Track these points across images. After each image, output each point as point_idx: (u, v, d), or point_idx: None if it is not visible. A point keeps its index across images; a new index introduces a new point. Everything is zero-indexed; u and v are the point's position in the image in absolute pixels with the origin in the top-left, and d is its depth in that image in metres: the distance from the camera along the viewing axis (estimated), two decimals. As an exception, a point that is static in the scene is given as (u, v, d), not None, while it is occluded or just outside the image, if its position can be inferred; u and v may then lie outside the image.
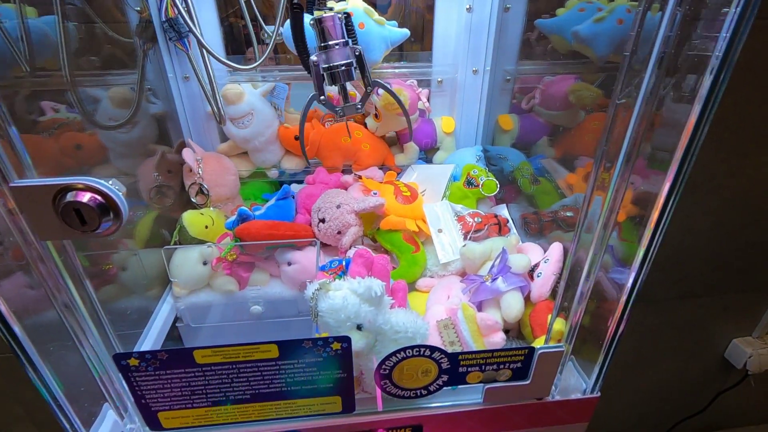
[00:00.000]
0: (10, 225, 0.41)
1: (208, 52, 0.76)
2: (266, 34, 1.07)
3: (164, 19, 0.87)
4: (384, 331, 0.57)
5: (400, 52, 1.13)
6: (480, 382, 0.59)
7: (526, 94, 1.04)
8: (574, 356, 0.65)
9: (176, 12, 0.84)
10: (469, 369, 0.57)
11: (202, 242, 0.86)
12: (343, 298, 0.54)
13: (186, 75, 0.97)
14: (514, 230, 0.90)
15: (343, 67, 0.69)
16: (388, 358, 0.54)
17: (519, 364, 0.58)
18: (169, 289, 0.87)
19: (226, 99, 0.95)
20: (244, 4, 0.94)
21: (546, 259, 0.70)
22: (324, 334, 0.55)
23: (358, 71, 0.74)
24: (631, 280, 0.56)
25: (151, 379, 0.52)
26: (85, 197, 0.38)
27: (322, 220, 0.86)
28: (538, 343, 0.63)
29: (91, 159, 0.82)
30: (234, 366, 0.52)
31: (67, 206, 0.37)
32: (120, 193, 0.41)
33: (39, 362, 0.49)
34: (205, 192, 0.94)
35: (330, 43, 0.67)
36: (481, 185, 0.93)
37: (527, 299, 0.69)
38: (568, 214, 0.86)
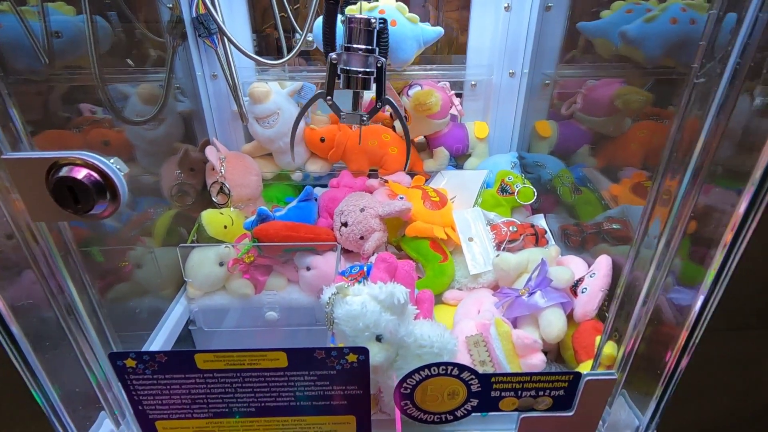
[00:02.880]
0: (6, 213, 0.38)
1: (232, 42, 0.74)
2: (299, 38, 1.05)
3: (194, 16, 0.87)
4: (407, 344, 0.50)
5: (431, 56, 1.09)
6: (515, 409, 0.51)
7: (566, 99, 0.98)
8: (626, 387, 0.57)
9: (206, 8, 0.83)
10: (503, 394, 0.50)
11: (219, 243, 0.83)
12: (362, 304, 0.48)
13: (214, 73, 0.95)
14: (552, 242, 0.83)
15: (360, 74, 0.64)
16: (410, 375, 0.47)
17: (562, 392, 0.50)
18: (183, 290, 0.84)
19: (252, 97, 0.92)
20: (277, 14, 0.93)
21: (592, 273, 0.63)
22: (340, 345, 0.50)
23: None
24: (699, 305, 0.48)
25: (149, 383, 0.47)
26: (81, 174, 0.34)
27: (345, 224, 0.81)
28: (584, 369, 0.55)
29: (118, 156, 0.80)
30: (238, 374, 0.47)
31: (59, 182, 0.33)
32: (120, 174, 0.37)
33: (36, 365, 0.45)
34: (227, 192, 0.91)
35: (354, 46, 0.62)
36: (517, 193, 0.86)
37: (569, 318, 0.62)
38: (615, 226, 0.78)
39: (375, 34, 0.62)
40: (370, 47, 0.62)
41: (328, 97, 0.68)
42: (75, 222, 0.72)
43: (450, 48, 1.11)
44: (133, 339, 0.72)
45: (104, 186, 0.35)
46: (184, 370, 0.46)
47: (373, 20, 0.62)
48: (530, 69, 0.99)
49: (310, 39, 1.00)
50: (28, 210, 0.36)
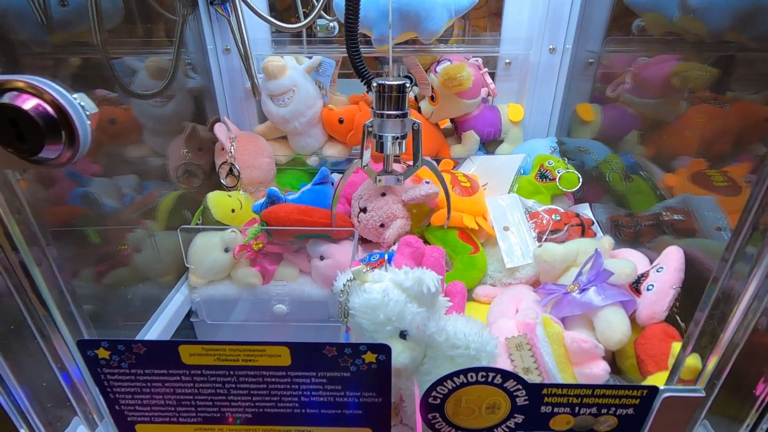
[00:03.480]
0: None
1: (249, 6, 0.67)
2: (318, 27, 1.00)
3: (206, -19, 0.80)
4: (437, 343, 0.41)
5: (461, 31, 1.00)
6: (569, 430, 0.42)
7: (612, 80, 0.87)
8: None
9: (218, -29, 0.76)
10: (556, 409, 0.40)
11: (225, 227, 0.75)
12: (383, 292, 0.39)
13: (227, 46, 0.89)
14: (600, 234, 0.72)
15: (398, 139, 0.63)
16: (440, 382, 0.38)
17: (631, 410, 0.40)
18: (185, 277, 0.76)
19: (266, 72, 0.85)
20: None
21: (659, 268, 0.52)
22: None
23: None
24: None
25: (126, 378, 0.39)
26: (28, 103, 0.26)
27: (363, 210, 0.73)
28: (653, 382, 0.44)
29: (125, 135, 0.75)
30: (231, 372, 0.39)
31: (-2, 111, 0.26)
32: (83, 113, 0.29)
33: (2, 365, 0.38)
34: (236, 173, 0.84)
35: (387, 112, 0.62)
36: (559, 179, 0.76)
37: (632, 320, 0.51)
38: (677, 217, 0.67)
39: (406, 97, 0.62)
40: (403, 111, 0.62)
41: (365, 165, 0.68)
42: (75, 200, 0.67)
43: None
44: (126, 330, 0.65)
45: (58, 124, 0.27)
46: (167, 365, 0.38)
47: (407, 85, 0.61)
48: (573, 45, 0.89)
49: (330, 23, 0.93)
50: (-33, 152, 0.28)
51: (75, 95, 0.30)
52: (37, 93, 0.27)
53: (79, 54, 0.67)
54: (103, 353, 0.38)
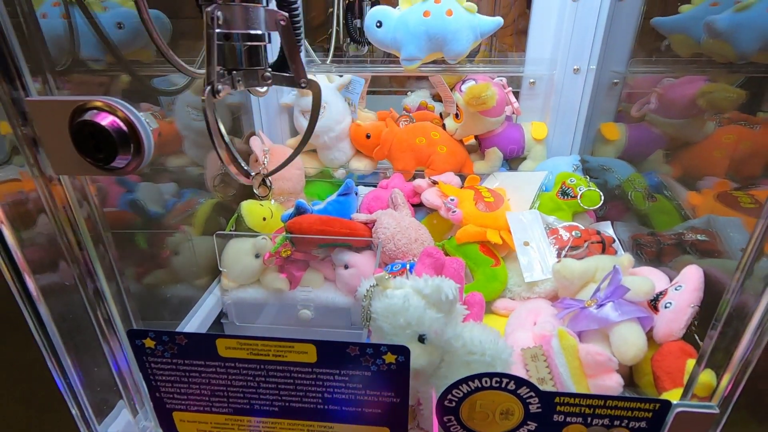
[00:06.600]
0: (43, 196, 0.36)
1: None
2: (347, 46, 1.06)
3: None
4: (453, 348, 0.43)
5: (488, 47, 1.04)
6: (582, 440, 0.43)
7: (636, 99, 0.88)
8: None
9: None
10: (569, 419, 0.41)
11: (257, 234, 0.80)
12: (404, 298, 0.42)
13: (264, 65, 0.95)
14: (621, 252, 0.73)
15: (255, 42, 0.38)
16: (456, 385, 0.40)
17: (643, 423, 0.41)
18: (218, 280, 0.81)
19: (299, 90, 0.90)
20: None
21: (678, 286, 0.53)
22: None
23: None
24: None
25: (168, 367, 0.43)
26: (105, 120, 0.31)
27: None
28: (670, 398, 0.45)
29: (169, 146, 0.81)
30: (262, 366, 0.42)
31: (80, 126, 0.30)
32: (148, 128, 0.34)
33: (59, 346, 0.43)
34: (268, 184, 0.89)
35: None
36: (580, 196, 0.77)
37: (649, 337, 0.52)
38: (700, 237, 0.67)
39: None
40: None
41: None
42: (123, 206, 0.73)
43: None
44: (162, 328, 0.69)
45: (128, 137, 0.32)
46: (205, 357, 0.42)
47: None
48: (597, 65, 0.91)
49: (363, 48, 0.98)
50: (51, 160, 0.33)
51: (142, 114, 0.35)
52: (112, 111, 0.32)
53: (131, 71, 0.74)
54: (149, 343, 0.42)
